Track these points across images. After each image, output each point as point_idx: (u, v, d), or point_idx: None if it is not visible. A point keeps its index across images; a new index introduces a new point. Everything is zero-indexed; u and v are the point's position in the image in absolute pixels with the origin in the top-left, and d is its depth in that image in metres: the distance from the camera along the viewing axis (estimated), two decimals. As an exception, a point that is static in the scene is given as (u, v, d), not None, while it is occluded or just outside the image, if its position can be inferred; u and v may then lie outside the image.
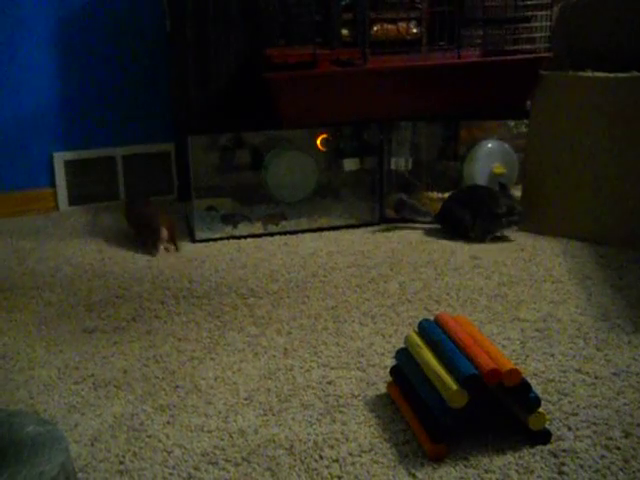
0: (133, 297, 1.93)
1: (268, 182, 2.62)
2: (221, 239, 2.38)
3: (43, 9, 2.71)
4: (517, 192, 2.57)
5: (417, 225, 2.47)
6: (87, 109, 2.83)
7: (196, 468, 1.19)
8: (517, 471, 1.17)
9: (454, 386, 1.19)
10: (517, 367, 1.22)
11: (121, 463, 1.22)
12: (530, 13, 2.44)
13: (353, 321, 1.75)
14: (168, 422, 1.33)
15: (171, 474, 1.18)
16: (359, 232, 2.44)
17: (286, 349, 1.61)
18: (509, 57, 2.41)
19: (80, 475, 1.18)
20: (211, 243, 2.36)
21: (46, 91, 2.77)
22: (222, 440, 1.27)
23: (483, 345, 1.28)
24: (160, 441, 1.27)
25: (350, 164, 2.60)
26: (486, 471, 1.17)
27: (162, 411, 1.37)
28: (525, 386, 1.22)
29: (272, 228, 2.45)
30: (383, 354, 1.57)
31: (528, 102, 2.45)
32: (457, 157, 2.80)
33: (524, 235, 2.35)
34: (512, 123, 2.82)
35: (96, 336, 1.71)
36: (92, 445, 1.27)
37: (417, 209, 2.46)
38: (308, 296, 1.90)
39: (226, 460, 1.21)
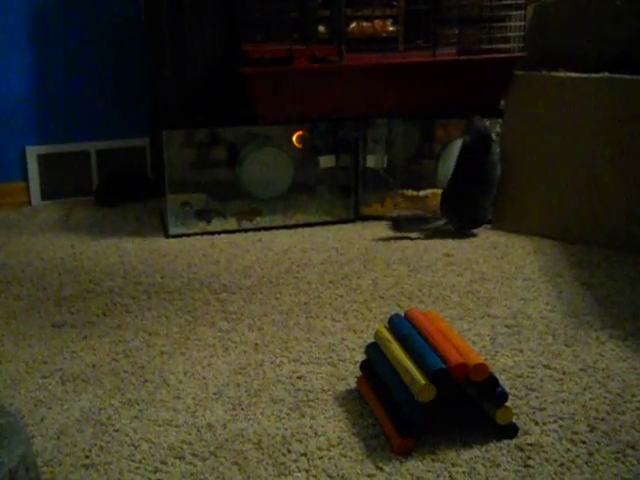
0: (104, 292, 1.91)
1: (243, 178, 2.61)
2: (195, 235, 2.37)
3: (18, 3, 2.67)
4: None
5: (390, 222, 2.47)
6: (61, 103, 2.80)
7: (163, 462, 1.19)
8: (484, 465, 1.18)
9: (422, 380, 1.20)
10: (485, 362, 1.23)
11: (87, 457, 1.21)
12: (505, 13, 2.45)
13: (325, 317, 1.75)
14: (136, 416, 1.32)
15: (137, 468, 1.17)
16: (334, 229, 2.44)
17: (257, 344, 1.61)
18: (484, 56, 2.42)
19: (45, 469, 1.17)
20: (184, 238, 2.34)
21: (19, 84, 2.74)
22: (190, 434, 1.27)
23: (452, 340, 1.29)
24: (127, 435, 1.26)
25: (326, 161, 2.59)
26: (453, 465, 1.18)
27: (130, 405, 1.36)
28: (492, 381, 1.23)
29: (246, 224, 2.44)
30: (354, 349, 1.58)
31: (502, 101, 2.46)
32: (432, 155, 2.81)
33: (497, 233, 2.37)
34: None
35: (65, 331, 1.69)
36: (58, 439, 1.26)
37: (419, 217, 2.41)
38: (281, 292, 1.90)
39: (193, 454, 1.21)
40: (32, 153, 2.78)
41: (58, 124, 2.81)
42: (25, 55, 2.72)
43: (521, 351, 1.56)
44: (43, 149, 2.80)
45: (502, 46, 2.43)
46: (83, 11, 2.76)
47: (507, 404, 1.24)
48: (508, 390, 1.28)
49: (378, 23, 2.68)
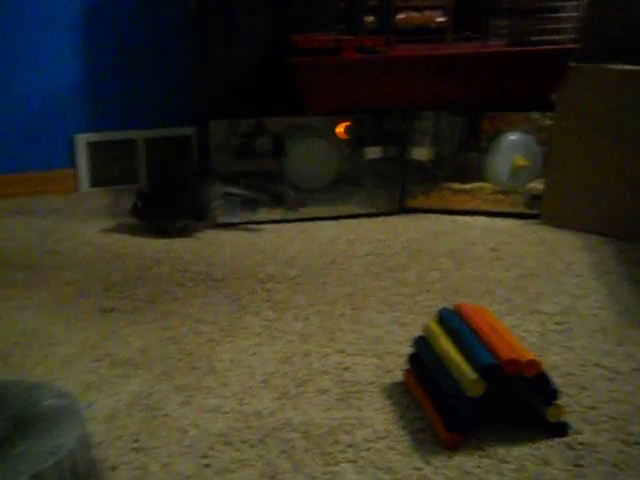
0: (151, 279, 1.94)
1: (288, 169, 2.61)
2: (240, 224, 2.38)
3: (68, -9, 2.72)
4: (539, 185, 2.54)
5: (435, 216, 2.45)
6: (110, 91, 2.84)
7: (212, 448, 1.20)
8: (534, 462, 1.16)
9: (473, 375, 1.18)
10: (537, 358, 1.21)
11: (136, 441, 1.22)
12: (558, 3, 2.40)
13: (371, 309, 1.74)
14: (184, 402, 1.33)
15: (186, 453, 1.18)
16: (378, 221, 2.43)
17: (303, 334, 1.61)
18: (535, 47, 2.38)
19: (95, 452, 1.19)
20: (230, 228, 2.36)
21: (70, 72, 2.78)
22: (238, 422, 1.27)
23: (503, 335, 1.27)
24: (176, 420, 1.28)
25: (372, 153, 2.58)
26: (502, 461, 1.17)
27: (179, 391, 1.37)
28: (544, 377, 1.21)
29: (291, 215, 2.45)
30: (400, 342, 1.57)
31: (553, 95, 2.42)
32: (479, 149, 2.78)
33: (544, 228, 2.33)
34: (537, 116, 2.79)
35: (114, 316, 1.71)
36: (108, 423, 1.27)
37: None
38: (326, 283, 1.90)
39: (242, 441, 1.21)
40: (81, 141, 2.83)
41: (107, 112, 2.85)
42: (74, 44, 2.76)
43: (571, 349, 1.53)
44: (92, 137, 2.84)
45: (555, 37, 2.38)
46: (133, 1, 2.79)
47: (558, 402, 1.22)
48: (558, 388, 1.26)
49: (427, 14, 2.66)
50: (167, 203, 2.29)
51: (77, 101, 2.81)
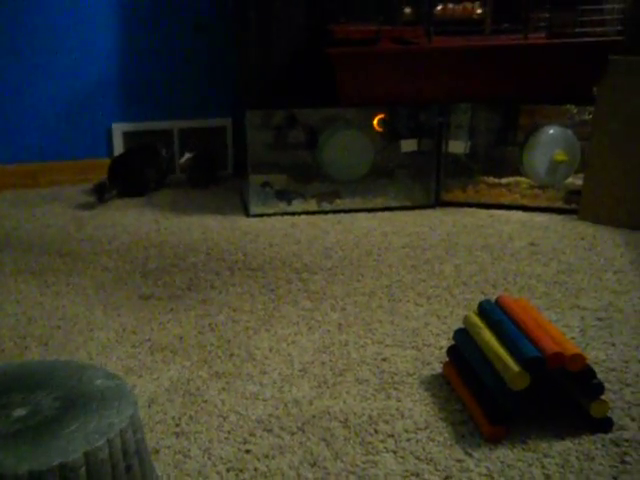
0: (188, 267, 1.95)
1: (323, 160, 2.61)
2: (275, 215, 2.38)
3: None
4: (578, 180, 2.51)
5: (471, 209, 2.43)
6: (146, 82, 2.86)
7: (252, 434, 1.20)
8: (577, 457, 1.15)
9: (516, 368, 1.17)
10: (582, 352, 1.19)
11: (177, 425, 1.23)
12: (601, -5, 2.36)
13: (408, 301, 1.73)
14: (223, 388, 1.34)
15: (227, 438, 1.19)
16: (413, 214, 2.42)
17: (340, 324, 1.61)
18: (575, 40, 2.34)
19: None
20: (265, 218, 2.36)
21: (107, 63, 2.80)
22: (277, 409, 1.27)
23: (546, 328, 1.26)
24: (216, 406, 1.28)
25: (407, 145, 2.56)
26: (545, 455, 1.15)
27: (218, 378, 1.38)
28: (589, 372, 1.19)
29: (326, 206, 2.44)
30: (439, 334, 1.56)
31: (595, 88, 2.38)
32: (515, 143, 2.74)
33: (583, 224, 2.30)
34: (575, 110, 2.75)
35: (152, 303, 1.73)
36: (149, 407, 1.28)
37: None
38: (362, 274, 1.89)
39: (281, 428, 1.22)
40: (118, 130, 2.85)
41: (143, 103, 2.87)
42: (114, 37, 2.79)
43: (613, 345, 1.51)
44: (128, 126, 2.87)
45: (597, 30, 2.34)
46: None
47: (602, 397, 1.20)
48: (602, 383, 1.24)
49: (466, 6, 2.63)
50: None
51: (114, 91, 2.84)
